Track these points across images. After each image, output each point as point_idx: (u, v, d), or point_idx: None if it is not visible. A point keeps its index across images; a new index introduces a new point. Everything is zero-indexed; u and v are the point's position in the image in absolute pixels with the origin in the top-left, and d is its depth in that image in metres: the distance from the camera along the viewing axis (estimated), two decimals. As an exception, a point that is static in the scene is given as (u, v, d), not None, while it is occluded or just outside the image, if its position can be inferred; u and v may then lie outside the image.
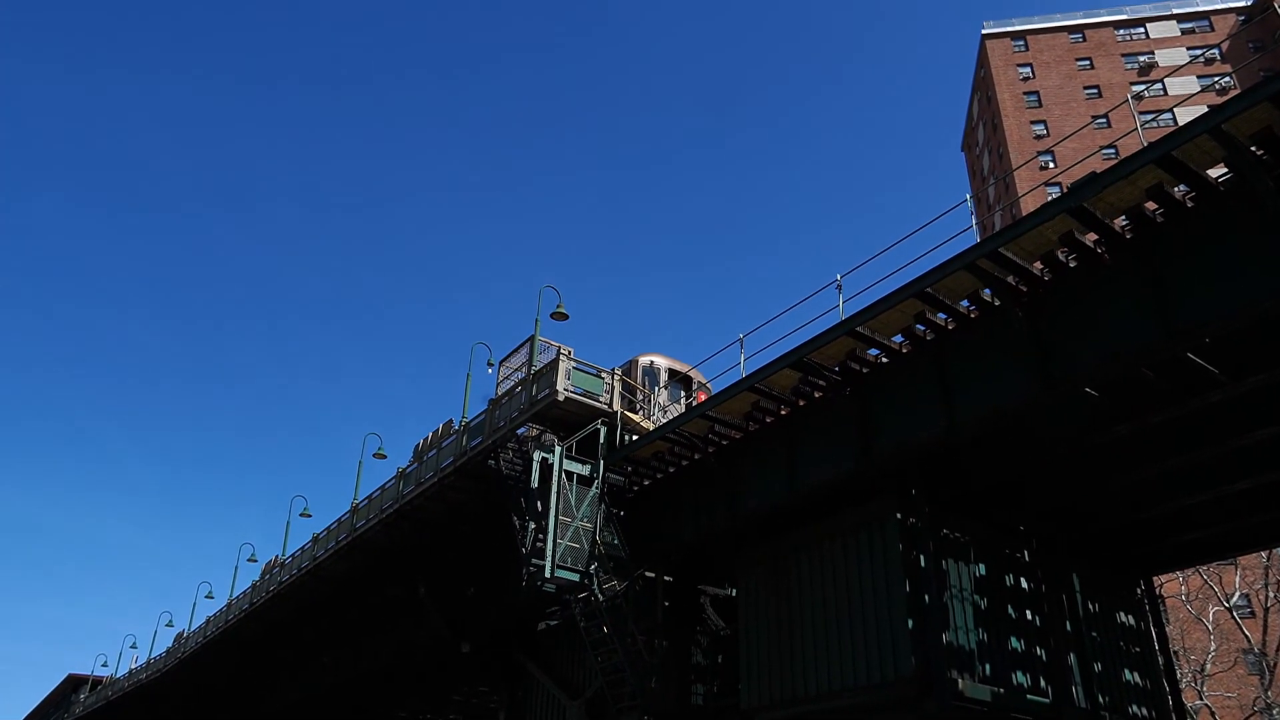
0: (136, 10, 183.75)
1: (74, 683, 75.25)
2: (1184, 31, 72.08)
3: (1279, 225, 11.66)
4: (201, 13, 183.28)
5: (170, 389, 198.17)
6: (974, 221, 15.70)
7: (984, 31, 76.73)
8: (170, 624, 52.61)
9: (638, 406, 22.76)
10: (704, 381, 25.07)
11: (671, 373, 25.11)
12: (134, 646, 63.36)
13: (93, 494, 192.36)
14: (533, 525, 19.77)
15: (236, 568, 48.37)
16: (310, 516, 37.82)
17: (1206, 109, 11.93)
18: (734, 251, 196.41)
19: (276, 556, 36.73)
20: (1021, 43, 75.09)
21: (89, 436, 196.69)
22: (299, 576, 31.82)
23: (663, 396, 23.97)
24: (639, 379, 24.23)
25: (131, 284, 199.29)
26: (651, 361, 25.07)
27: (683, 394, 25.02)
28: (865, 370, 16.71)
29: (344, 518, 29.96)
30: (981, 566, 16.90)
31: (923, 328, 15.69)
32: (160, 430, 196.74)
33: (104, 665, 64.05)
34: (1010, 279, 14.22)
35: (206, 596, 47.58)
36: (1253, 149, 11.72)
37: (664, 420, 22.02)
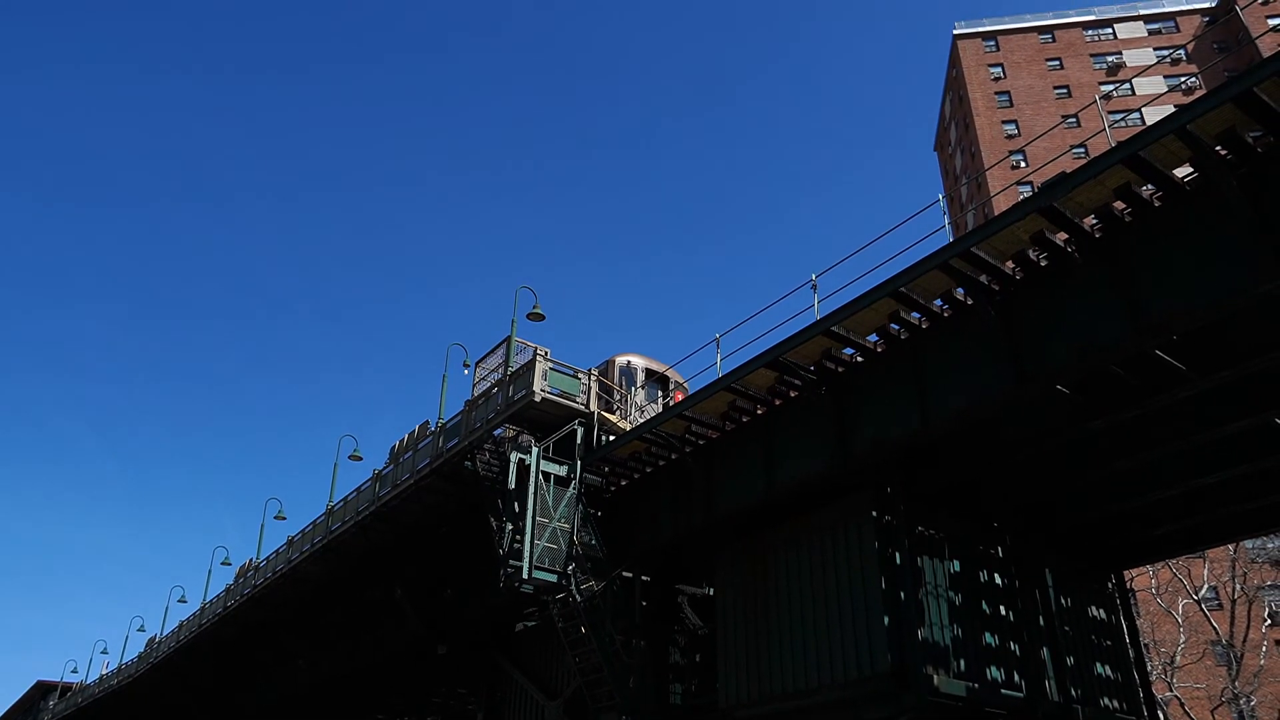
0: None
1: (43, 689, 74.24)
2: (1151, 32, 73.05)
3: (1243, 224, 11.88)
4: (172, 2, 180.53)
5: (142, 389, 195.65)
6: (947, 221, 15.83)
7: (955, 32, 77.39)
8: (142, 628, 51.96)
9: (615, 406, 22.74)
10: (681, 381, 25.00)
11: (649, 372, 24.94)
12: (105, 652, 62.84)
13: (62, 496, 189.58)
14: (510, 526, 19.73)
15: (210, 571, 48.17)
16: (285, 519, 37.63)
17: (1173, 109, 12.12)
18: (710, 253, 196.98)
19: (251, 560, 36.45)
20: (992, 43, 75.81)
21: (59, 438, 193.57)
22: (274, 580, 31.58)
23: (640, 396, 23.89)
24: (616, 379, 24.12)
25: (102, 281, 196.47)
26: (629, 361, 24.89)
27: (660, 394, 24.89)
28: (841, 369, 16.83)
29: (319, 520, 29.77)
30: (956, 563, 17.08)
31: (897, 327, 15.83)
32: (131, 431, 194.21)
33: (74, 671, 63.33)
34: (983, 278, 14.39)
35: (180, 600, 47.12)
36: (1218, 149, 11.94)
37: (641, 420, 22.03)
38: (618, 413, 22.49)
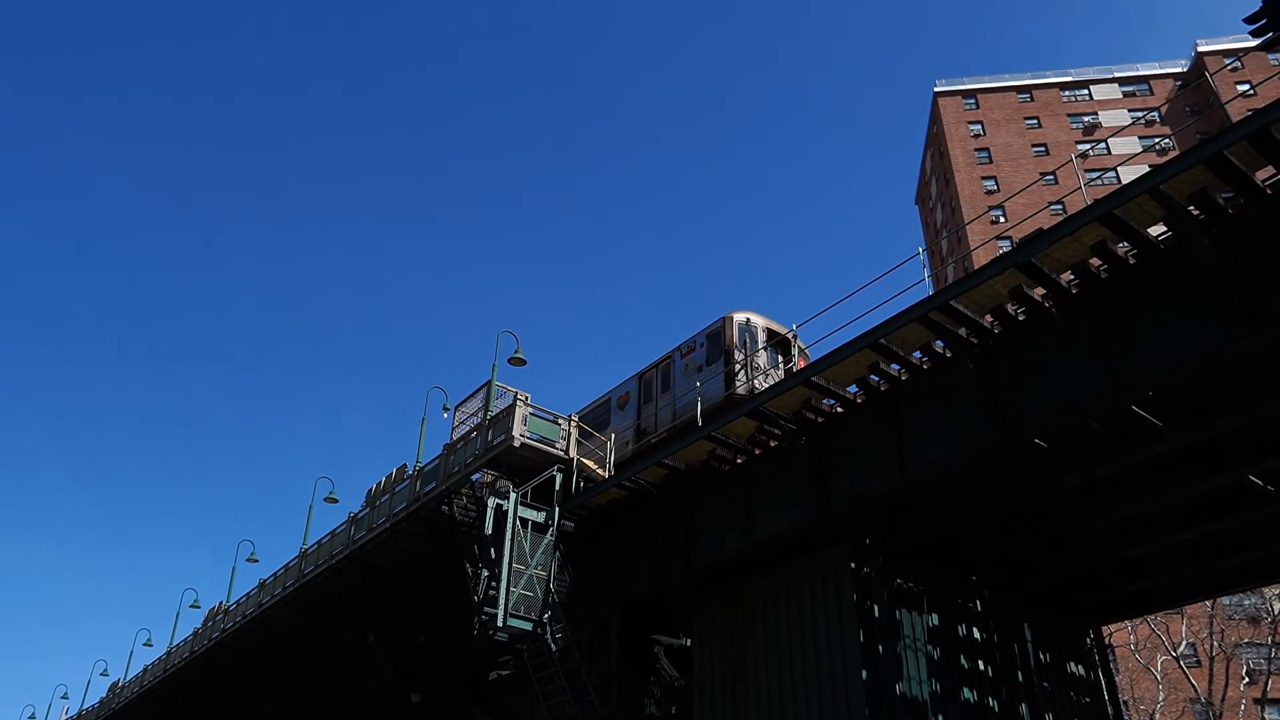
0: (76, 26, 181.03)
1: (1, 736, 72.07)
2: (1125, 94, 74.87)
3: (1216, 283, 12.09)
4: (145, 28, 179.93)
5: (113, 425, 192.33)
6: (927, 274, 16.00)
7: (936, 89, 79.03)
8: (105, 673, 50.44)
9: (736, 367, 20.41)
10: (804, 348, 21.67)
11: (770, 333, 21.69)
12: (65, 697, 60.57)
13: (24, 532, 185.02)
14: (486, 573, 19.51)
15: (178, 614, 46.98)
16: (257, 562, 37.05)
17: (1148, 168, 12.39)
18: (692, 287, 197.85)
19: (221, 603, 35.78)
20: (972, 101, 77.41)
21: (37, 478, 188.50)
22: (244, 624, 31.02)
23: (762, 359, 21.01)
24: (734, 337, 21.23)
25: (84, 318, 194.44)
26: (748, 319, 21.66)
27: (780, 359, 21.49)
28: (821, 419, 16.87)
29: (292, 563, 29.34)
30: (934, 616, 16.99)
31: (877, 378, 15.92)
32: (99, 467, 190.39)
33: (31, 717, 61.39)
34: (962, 331, 14.53)
35: (145, 644, 46.02)
36: (1190, 209, 12.19)
37: (765, 386, 19.68)
38: (742, 371, 20.37)
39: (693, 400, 20.28)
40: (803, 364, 20.74)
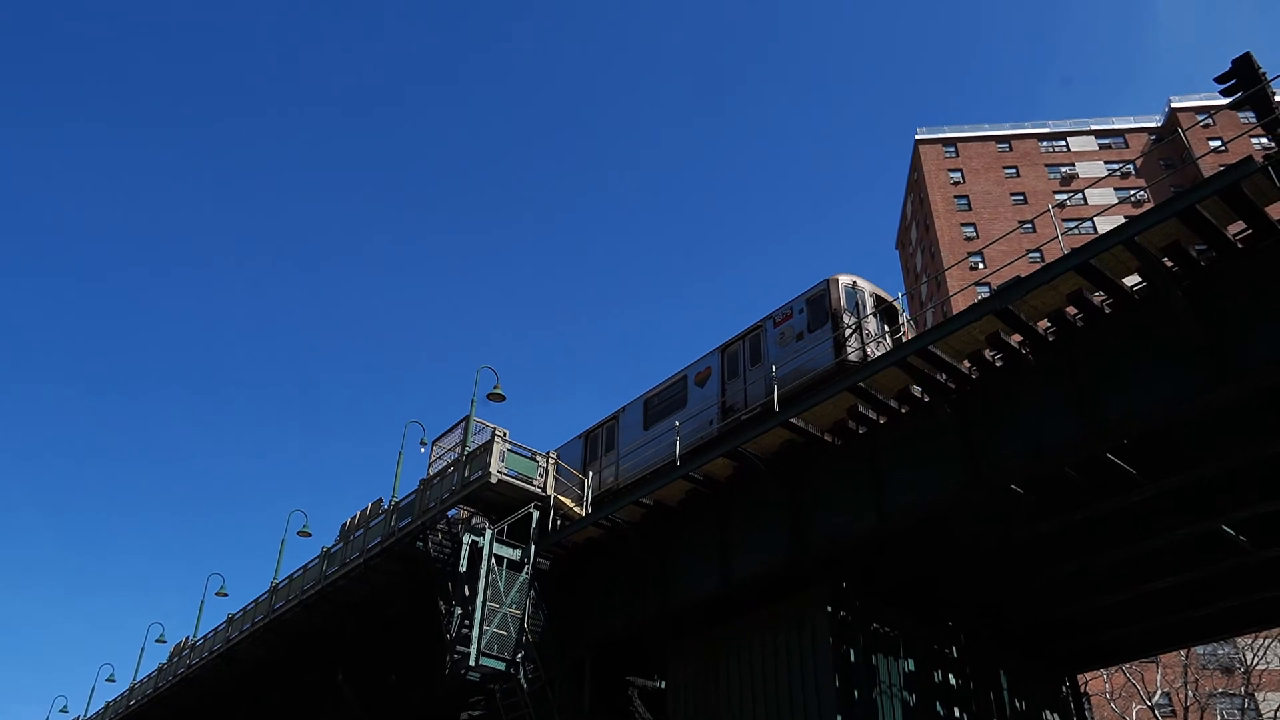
0: (54, 53, 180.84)
1: (-46, 772, 70.02)
2: (1102, 146, 76.45)
3: (1189, 334, 12.27)
4: (123, 56, 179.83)
5: (80, 457, 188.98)
6: (906, 318, 16.16)
7: (917, 137, 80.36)
8: (65, 709, 49.11)
9: (846, 332, 18.76)
10: (910, 319, 20.53)
11: (877, 299, 20.12)
12: (24, 733, 59.14)
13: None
14: (459, 611, 19.26)
15: (143, 649, 46.19)
16: (226, 596, 36.45)
17: (1124, 219, 12.62)
18: (672, 325, 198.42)
19: (187, 638, 35.10)
20: (952, 149, 78.74)
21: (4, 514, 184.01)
22: (210, 660, 30.44)
23: (871, 326, 19.39)
24: (838, 301, 19.52)
25: (54, 353, 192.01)
26: (854, 282, 19.95)
27: (886, 329, 20.01)
28: (799, 462, 16.88)
29: (262, 598, 28.87)
30: (911, 662, 16.90)
31: (854, 422, 15.98)
32: (65, 498, 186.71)
33: (-11, 753, 59.42)
34: (940, 376, 14.63)
35: (108, 680, 44.93)
36: (1164, 260, 12.40)
37: (876, 354, 18.33)
38: (852, 339, 18.80)
39: (791, 371, 18.90)
40: (907, 335, 19.93)
